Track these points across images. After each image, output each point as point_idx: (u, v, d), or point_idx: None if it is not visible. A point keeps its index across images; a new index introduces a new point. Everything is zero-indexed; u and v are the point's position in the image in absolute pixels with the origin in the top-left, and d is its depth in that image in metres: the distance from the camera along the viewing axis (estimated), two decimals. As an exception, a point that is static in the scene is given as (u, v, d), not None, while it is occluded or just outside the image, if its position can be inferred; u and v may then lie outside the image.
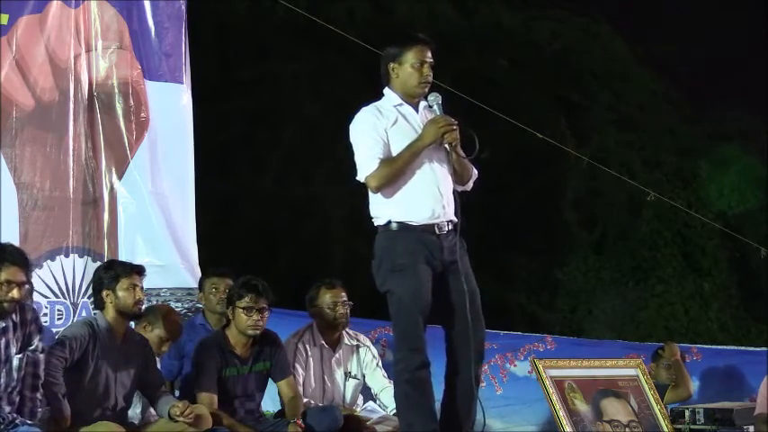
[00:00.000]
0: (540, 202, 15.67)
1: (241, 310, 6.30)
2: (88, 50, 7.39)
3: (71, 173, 7.26)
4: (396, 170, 5.27)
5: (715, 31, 17.10)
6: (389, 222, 5.32)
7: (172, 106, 7.58)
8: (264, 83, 14.73)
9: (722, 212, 15.95)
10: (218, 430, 6.06)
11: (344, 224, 14.56)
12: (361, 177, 5.33)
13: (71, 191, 7.24)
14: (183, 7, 7.64)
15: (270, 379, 6.54)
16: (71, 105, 7.29)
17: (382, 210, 5.34)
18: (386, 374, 6.98)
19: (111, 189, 7.37)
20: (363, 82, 14.29)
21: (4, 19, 7.14)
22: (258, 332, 6.36)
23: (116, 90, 7.43)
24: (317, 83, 14.82)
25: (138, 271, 6.00)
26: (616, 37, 17.34)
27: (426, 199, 5.32)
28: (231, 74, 14.33)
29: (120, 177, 7.39)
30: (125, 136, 7.42)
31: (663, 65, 17.34)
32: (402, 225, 5.30)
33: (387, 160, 5.27)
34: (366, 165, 5.29)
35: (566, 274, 16.24)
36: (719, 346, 10.72)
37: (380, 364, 7.04)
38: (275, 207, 14.29)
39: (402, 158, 5.28)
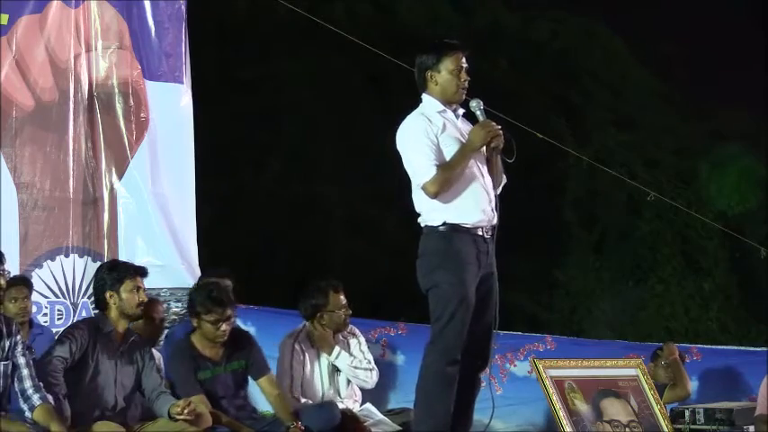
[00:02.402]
0: (540, 202, 15.66)
1: (208, 323, 6.30)
2: (88, 50, 7.40)
3: (71, 173, 7.27)
4: (453, 175, 5.34)
5: (715, 31, 17.09)
6: (443, 224, 5.36)
7: (172, 106, 7.59)
8: (265, 83, 14.73)
9: (722, 212, 15.93)
10: (218, 429, 6.07)
11: (344, 224, 14.56)
12: (419, 183, 5.37)
13: (71, 191, 7.25)
14: (184, 7, 7.65)
15: (256, 381, 6.54)
16: (71, 105, 7.30)
17: (435, 212, 5.39)
18: (369, 360, 7.00)
19: (111, 189, 7.37)
20: (363, 82, 14.33)
21: (4, 19, 7.15)
22: (224, 340, 6.36)
23: (116, 90, 7.44)
24: (318, 83, 14.82)
25: (142, 273, 6.02)
26: (616, 37, 17.35)
27: (478, 201, 5.41)
28: (231, 74, 14.33)
29: (120, 177, 7.40)
30: (125, 136, 7.43)
31: (663, 65, 17.35)
32: (455, 227, 5.36)
33: (443, 166, 5.34)
34: (424, 172, 5.34)
35: (566, 274, 16.23)
36: (719, 346, 10.71)
37: (365, 349, 7.05)
38: (275, 207, 14.29)
39: (457, 163, 5.36)
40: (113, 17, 7.47)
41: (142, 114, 7.47)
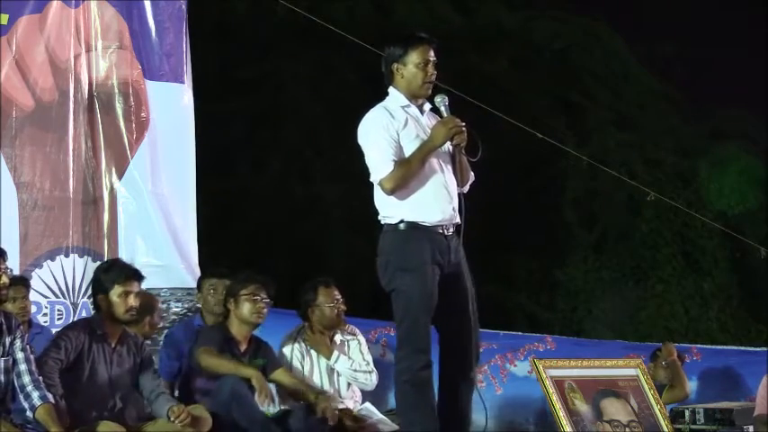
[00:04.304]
0: (540, 202, 15.67)
1: (246, 297, 6.38)
2: (88, 50, 7.39)
3: (71, 173, 7.26)
4: (410, 172, 5.28)
5: (715, 31, 17.10)
6: (400, 222, 5.31)
7: (172, 106, 7.59)
8: (264, 83, 14.73)
9: (722, 212, 15.94)
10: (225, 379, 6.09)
11: (344, 224, 14.56)
12: (375, 179, 5.33)
13: (71, 191, 7.25)
14: (184, 7, 7.64)
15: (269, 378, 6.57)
16: (71, 105, 7.29)
17: (393, 209, 5.34)
18: (368, 361, 7.00)
19: (111, 189, 7.37)
20: (363, 82, 14.32)
21: (4, 19, 7.14)
22: (261, 321, 6.44)
23: (116, 90, 7.44)
24: (317, 83, 14.83)
25: (135, 277, 5.96)
26: (616, 37, 17.35)
27: (437, 200, 5.34)
28: (231, 74, 14.33)
29: (120, 177, 7.39)
30: (125, 136, 7.42)
31: (663, 65, 17.35)
32: (412, 225, 5.30)
33: (401, 162, 5.28)
34: (381, 167, 5.28)
35: (566, 274, 16.24)
36: (719, 347, 10.73)
37: (364, 350, 7.06)
38: (275, 207, 14.29)
39: (415, 160, 5.29)
40: (113, 17, 7.46)
41: (142, 114, 7.47)
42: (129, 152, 7.41)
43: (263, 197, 14.33)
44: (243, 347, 6.45)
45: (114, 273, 5.93)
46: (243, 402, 6.04)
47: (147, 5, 7.53)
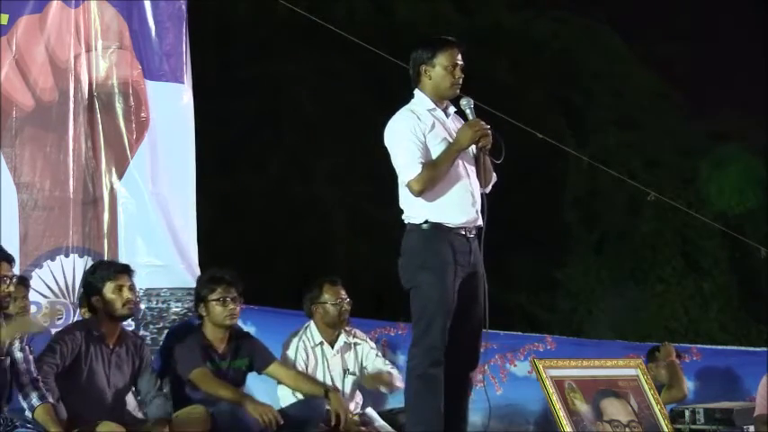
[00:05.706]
0: (540, 202, 15.67)
1: (215, 303, 6.32)
2: (88, 50, 7.38)
3: (71, 173, 7.25)
4: (438, 174, 5.34)
5: (715, 31, 17.10)
6: (424, 222, 5.37)
7: (172, 106, 7.58)
8: (265, 83, 14.74)
9: (722, 212, 15.95)
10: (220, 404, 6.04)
11: (345, 224, 14.57)
12: (404, 181, 5.38)
13: (71, 191, 7.24)
14: (184, 7, 7.63)
15: (262, 374, 6.55)
16: (71, 105, 7.28)
17: (418, 210, 5.39)
18: (387, 362, 6.99)
19: (111, 189, 7.36)
20: (363, 82, 14.33)
21: (4, 19, 7.14)
22: (235, 321, 6.38)
23: (116, 90, 7.43)
24: (317, 83, 14.83)
25: (125, 271, 5.95)
26: (616, 37, 17.37)
27: (461, 202, 5.41)
28: (231, 74, 14.34)
29: (120, 177, 7.39)
30: (125, 136, 7.41)
31: (663, 65, 17.37)
32: (437, 226, 5.36)
33: (429, 164, 5.34)
34: (409, 169, 5.34)
35: (566, 274, 16.24)
36: (719, 347, 10.73)
37: (380, 354, 7.05)
38: (275, 207, 14.30)
39: (443, 162, 5.36)
40: (113, 17, 7.46)
41: (142, 114, 7.46)
42: (129, 152, 7.40)
43: (263, 197, 14.34)
44: (221, 349, 6.38)
45: (103, 271, 5.93)
46: (241, 425, 6.01)
47: (147, 5, 7.52)
